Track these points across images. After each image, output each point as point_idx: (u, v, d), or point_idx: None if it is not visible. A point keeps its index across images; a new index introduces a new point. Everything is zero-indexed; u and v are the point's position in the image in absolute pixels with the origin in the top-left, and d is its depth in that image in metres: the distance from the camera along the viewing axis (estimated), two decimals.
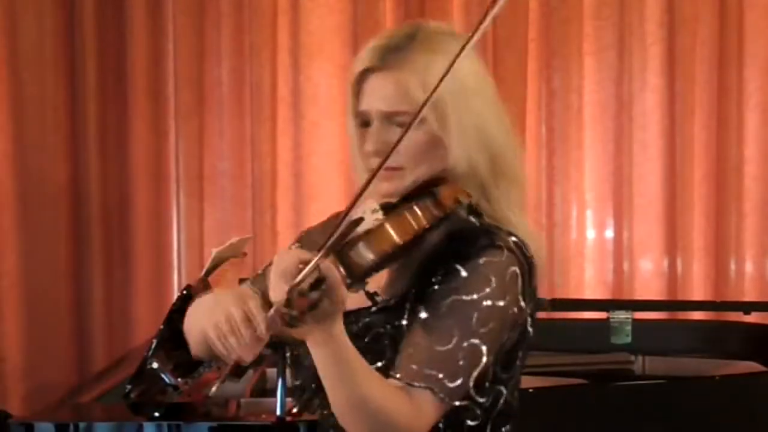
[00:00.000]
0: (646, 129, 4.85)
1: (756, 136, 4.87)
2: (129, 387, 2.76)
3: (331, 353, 1.53)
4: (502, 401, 1.73)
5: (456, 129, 1.68)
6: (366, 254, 1.60)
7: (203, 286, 2.80)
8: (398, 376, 1.60)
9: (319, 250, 1.50)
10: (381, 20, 4.73)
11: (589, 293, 4.83)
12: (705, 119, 4.86)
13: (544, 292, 5.12)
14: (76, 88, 4.57)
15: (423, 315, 1.65)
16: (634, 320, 3.58)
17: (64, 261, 4.53)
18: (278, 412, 2.61)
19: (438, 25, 1.76)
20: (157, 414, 2.73)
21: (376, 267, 1.61)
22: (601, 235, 4.90)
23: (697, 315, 4.23)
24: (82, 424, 2.69)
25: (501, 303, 1.65)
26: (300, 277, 1.45)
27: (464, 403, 1.67)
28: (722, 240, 4.88)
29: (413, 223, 1.63)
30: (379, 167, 1.60)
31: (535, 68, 4.85)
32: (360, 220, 1.62)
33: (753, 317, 3.89)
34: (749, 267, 4.87)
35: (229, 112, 4.72)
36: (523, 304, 1.69)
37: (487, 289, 1.64)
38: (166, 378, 1.98)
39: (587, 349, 3.64)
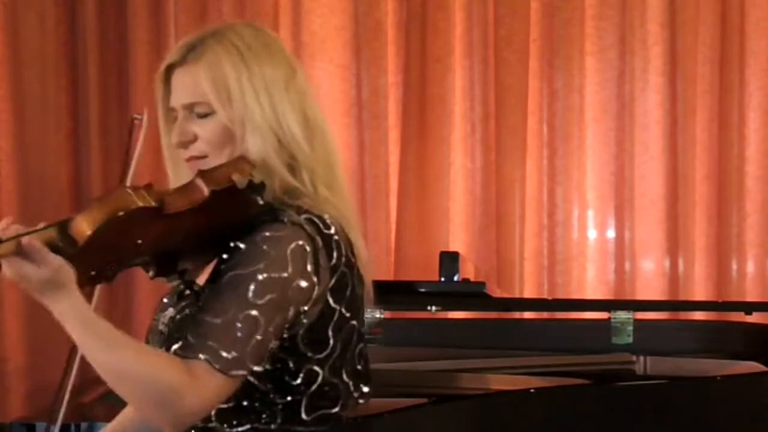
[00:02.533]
0: (648, 129, 4.84)
1: (757, 136, 4.87)
2: None
3: (72, 327, 1.68)
4: (319, 381, 1.74)
5: (243, 121, 1.75)
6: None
7: None
8: (177, 349, 1.68)
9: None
10: (382, 20, 4.73)
11: (591, 293, 4.83)
12: (706, 119, 4.85)
13: (545, 292, 5.13)
14: (78, 87, 4.57)
15: (206, 293, 1.71)
16: (636, 320, 3.58)
17: None
18: None
19: (245, 23, 1.84)
20: None
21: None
22: (602, 235, 4.90)
23: (699, 315, 4.22)
24: (83, 425, 2.69)
25: (282, 275, 1.67)
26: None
27: (263, 384, 1.71)
28: (724, 240, 4.88)
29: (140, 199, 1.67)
30: None
31: (537, 68, 4.85)
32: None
33: (755, 317, 3.87)
34: (751, 267, 4.86)
35: None
36: (315, 279, 1.70)
37: (264, 262, 1.67)
38: None
39: (588, 350, 3.62)
